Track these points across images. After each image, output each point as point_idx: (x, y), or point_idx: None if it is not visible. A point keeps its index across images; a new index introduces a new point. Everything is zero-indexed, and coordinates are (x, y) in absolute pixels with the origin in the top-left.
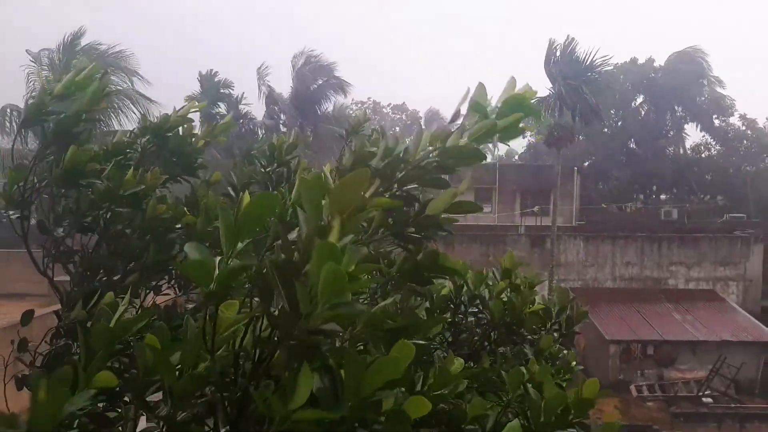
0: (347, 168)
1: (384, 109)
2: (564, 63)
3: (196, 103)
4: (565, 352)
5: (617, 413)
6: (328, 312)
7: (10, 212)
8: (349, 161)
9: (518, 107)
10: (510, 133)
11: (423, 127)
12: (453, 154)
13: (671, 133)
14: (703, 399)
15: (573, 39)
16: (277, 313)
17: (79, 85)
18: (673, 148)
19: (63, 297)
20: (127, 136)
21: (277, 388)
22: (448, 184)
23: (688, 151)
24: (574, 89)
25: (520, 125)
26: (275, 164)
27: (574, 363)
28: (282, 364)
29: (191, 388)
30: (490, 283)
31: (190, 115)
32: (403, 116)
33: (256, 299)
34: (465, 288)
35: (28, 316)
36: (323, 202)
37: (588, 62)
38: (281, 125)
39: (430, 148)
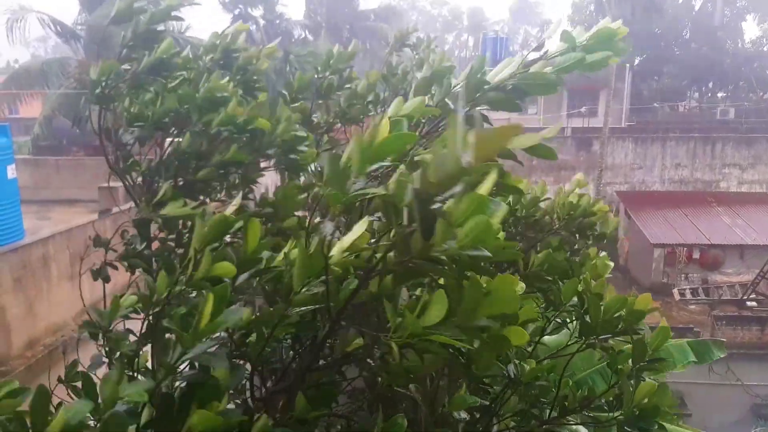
0: (423, 83)
1: (422, 3)
2: None
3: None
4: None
5: (658, 315)
6: (466, 257)
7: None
8: (427, 74)
9: (608, 44)
10: (595, 67)
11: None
12: (534, 80)
13: (730, 25)
14: (747, 303)
15: None
16: (403, 234)
17: None
18: (731, 41)
19: (134, 197)
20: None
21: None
22: (520, 108)
23: (748, 45)
24: None
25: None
26: (328, 72)
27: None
28: (394, 282)
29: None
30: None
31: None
32: (444, 11)
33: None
34: (524, 198)
35: (105, 213)
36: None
37: None
38: (321, 26)
39: (508, 71)
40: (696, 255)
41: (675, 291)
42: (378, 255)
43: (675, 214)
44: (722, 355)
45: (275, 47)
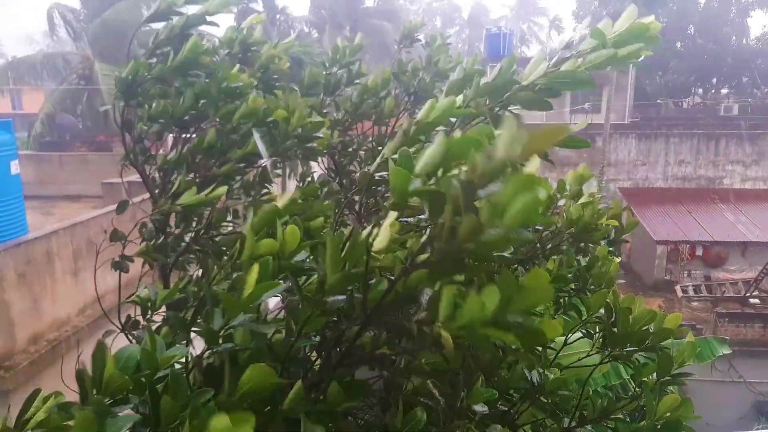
0: (455, 84)
1: None
2: None
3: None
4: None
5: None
6: (513, 235)
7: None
8: (459, 76)
9: (640, 37)
10: (627, 62)
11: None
12: (566, 78)
13: (736, 20)
14: (750, 300)
15: None
16: (446, 227)
17: None
18: (736, 37)
19: (152, 190)
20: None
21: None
22: (551, 107)
23: (753, 41)
24: None
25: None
26: (336, 67)
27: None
28: (431, 278)
29: (344, 282)
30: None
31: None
32: (444, 5)
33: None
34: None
35: (123, 206)
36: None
37: None
38: (325, 22)
39: (541, 68)
40: (699, 252)
41: (678, 288)
42: (415, 250)
43: (678, 211)
44: (725, 352)
45: (292, 41)
